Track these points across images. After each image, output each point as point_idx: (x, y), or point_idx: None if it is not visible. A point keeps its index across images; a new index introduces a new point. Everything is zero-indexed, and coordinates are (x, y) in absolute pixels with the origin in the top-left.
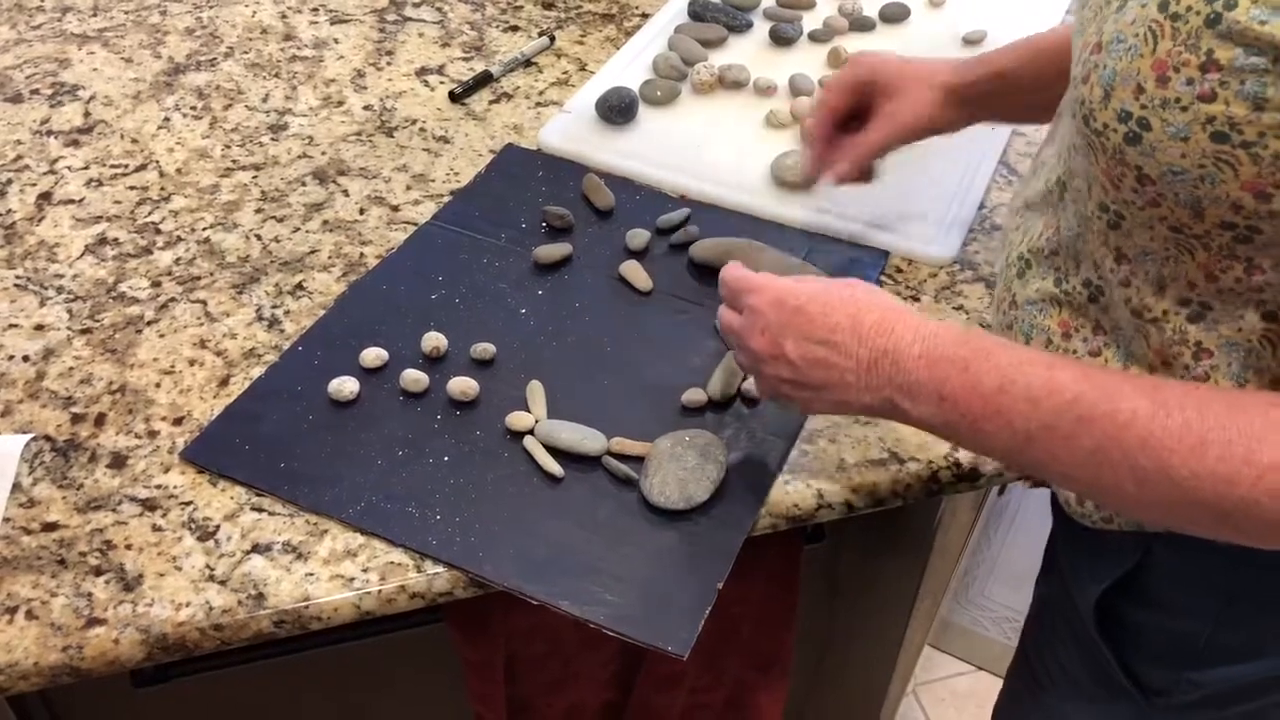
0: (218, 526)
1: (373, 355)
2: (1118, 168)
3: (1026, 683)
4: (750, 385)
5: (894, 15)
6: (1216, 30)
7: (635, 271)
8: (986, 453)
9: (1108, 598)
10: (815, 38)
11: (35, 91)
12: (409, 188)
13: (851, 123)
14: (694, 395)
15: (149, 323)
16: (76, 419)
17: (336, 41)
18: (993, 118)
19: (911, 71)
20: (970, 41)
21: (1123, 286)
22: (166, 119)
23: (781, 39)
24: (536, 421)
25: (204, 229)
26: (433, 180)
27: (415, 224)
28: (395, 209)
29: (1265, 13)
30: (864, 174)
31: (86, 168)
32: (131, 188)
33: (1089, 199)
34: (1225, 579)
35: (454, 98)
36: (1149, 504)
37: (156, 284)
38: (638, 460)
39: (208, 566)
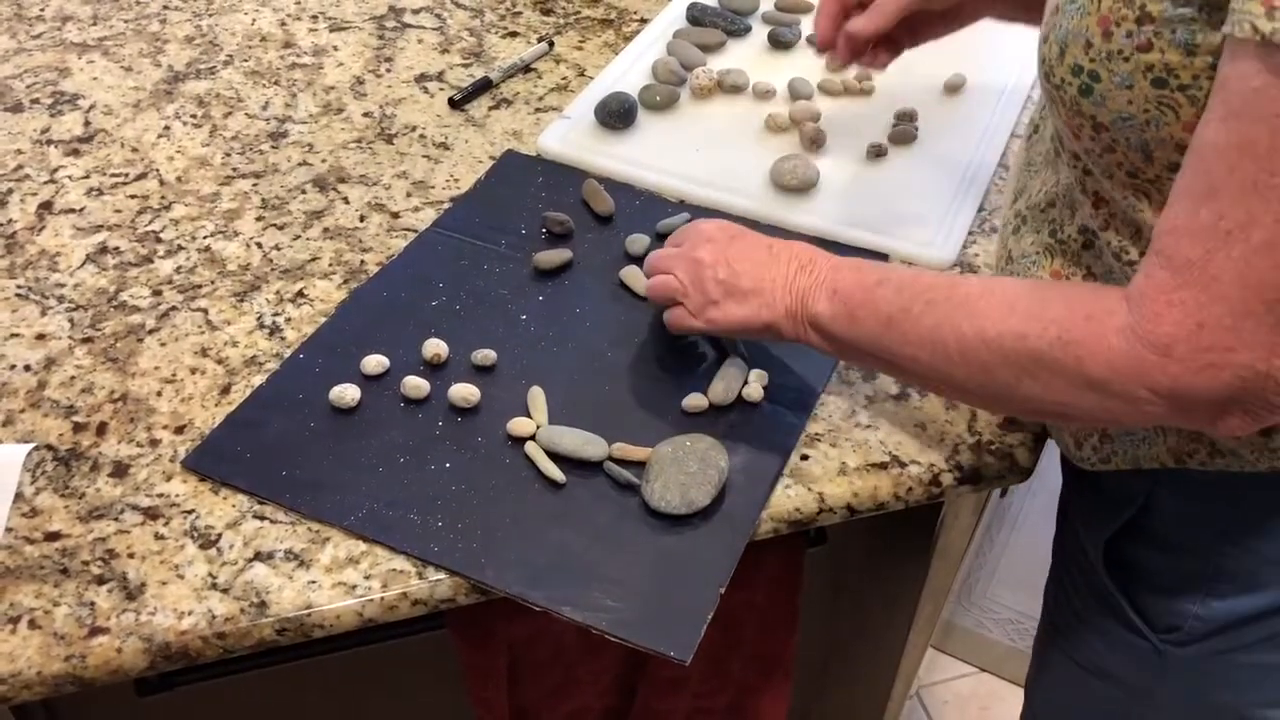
0: (220, 535)
1: (374, 362)
2: (1076, 118)
3: (1049, 634)
4: (752, 390)
5: None
6: None
7: (636, 277)
8: (858, 347)
9: (1116, 542)
10: (813, 41)
11: (35, 101)
12: (409, 194)
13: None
14: (695, 400)
15: (150, 331)
16: (78, 428)
17: (336, 49)
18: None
19: None
20: None
21: (1103, 230)
22: (166, 127)
23: (780, 43)
24: (538, 427)
25: (205, 237)
26: (433, 187)
27: (415, 231)
28: (395, 216)
29: None
30: (878, 57)
31: (87, 177)
32: (132, 196)
33: (1064, 150)
34: (1222, 516)
35: (453, 104)
36: (969, 367)
37: (157, 293)
38: (639, 465)
39: (210, 575)
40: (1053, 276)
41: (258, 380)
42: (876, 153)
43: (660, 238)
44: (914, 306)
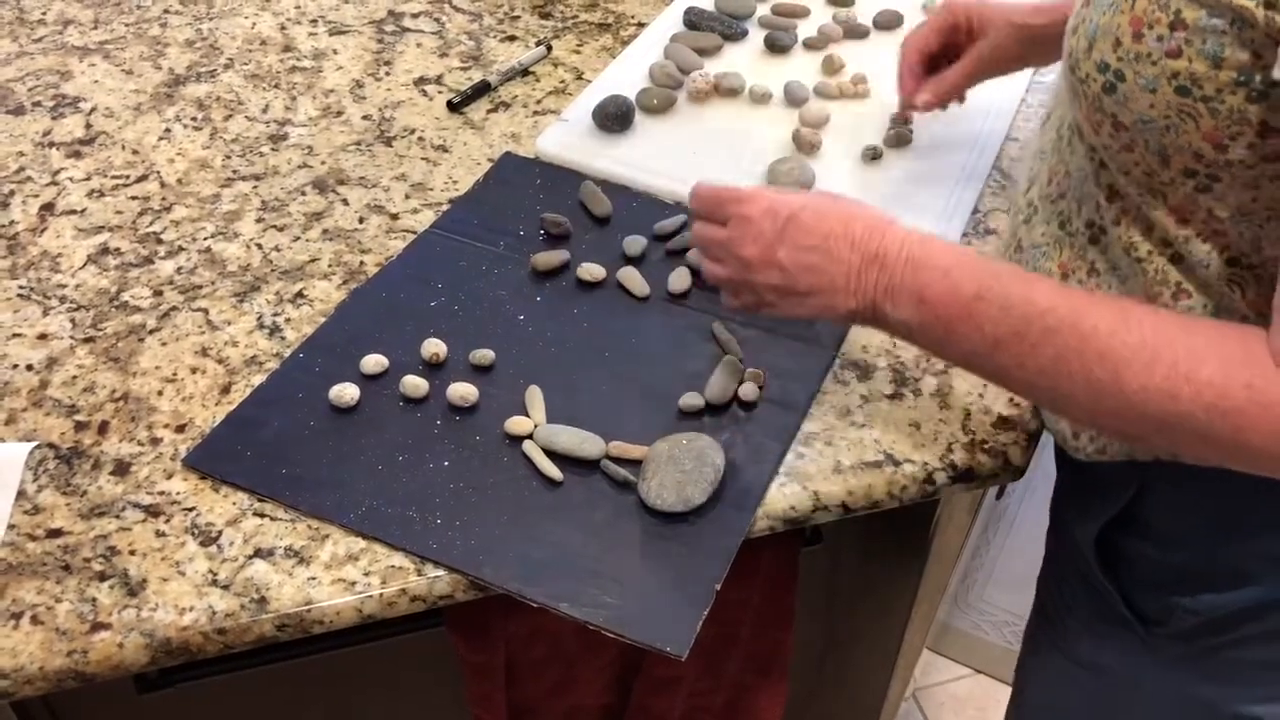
0: (220, 532)
1: (373, 362)
2: (1096, 114)
3: (1041, 627)
4: (747, 389)
5: (888, 22)
6: None
7: (632, 277)
8: (953, 355)
9: (1107, 533)
10: (810, 45)
11: (37, 104)
12: (408, 196)
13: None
14: (691, 399)
15: (151, 331)
16: (80, 427)
17: (335, 52)
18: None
19: (995, 11)
20: None
21: (1115, 225)
22: (167, 130)
23: (776, 47)
24: (535, 426)
25: (205, 238)
26: (431, 189)
27: (414, 232)
28: (394, 217)
29: None
30: (946, 102)
31: (88, 179)
32: (133, 198)
33: (1082, 142)
34: (1214, 508)
35: (452, 107)
36: (1099, 413)
37: (158, 293)
38: (636, 464)
39: (210, 571)
40: (1060, 269)
41: (258, 380)
42: (872, 155)
43: (657, 239)
44: (1029, 332)
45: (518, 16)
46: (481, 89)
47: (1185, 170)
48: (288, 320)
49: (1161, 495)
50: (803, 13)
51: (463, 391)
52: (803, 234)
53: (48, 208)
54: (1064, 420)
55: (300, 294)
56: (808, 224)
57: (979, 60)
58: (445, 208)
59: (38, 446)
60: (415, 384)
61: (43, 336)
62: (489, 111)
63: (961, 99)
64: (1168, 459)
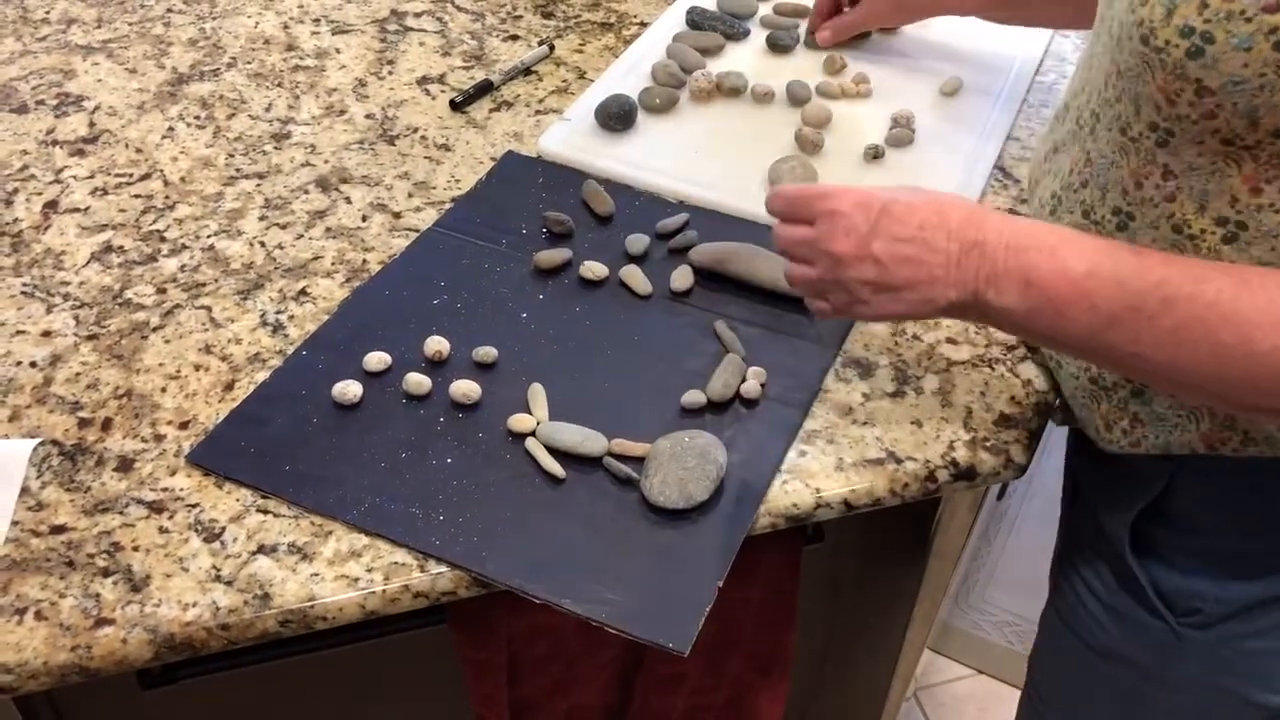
0: (224, 528)
1: (376, 359)
2: (1176, 83)
3: (1061, 614)
4: (750, 387)
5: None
6: None
7: (635, 276)
8: (1061, 340)
9: (1137, 524)
10: (812, 45)
11: (41, 102)
12: (410, 195)
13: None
14: (693, 397)
15: (155, 329)
16: (84, 423)
17: (338, 51)
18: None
19: None
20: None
21: (1167, 202)
22: (170, 128)
23: (778, 46)
24: (538, 423)
25: (208, 236)
26: (434, 187)
27: (417, 230)
28: (397, 216)
29: None
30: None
31: (92, 177)
32: (136, 196)
33: (1137, 120)
34: (1244, 499)
35: (455, 106)
36: (1222, 380)
37: (162, 291)
38: (638, 461)
39: (214, 567)
40: None
41: (261, 377)
42: (874, 154)
43: (660, 238)
44: (1145, 304)
45: (520, 16)
46: (484, 88)
47: (1275, 130)
48: (291, 318)
49: (1192, 487)
50: (805, 12)
51: (465, 389)
52: (897, 225)
53: (51, 206)
54: (1097, 413)
55: (303, 292)
56: (901, 215)
57: (871, 9)
58: (448, 206)
59: (42, 443)
60: (418, 381)
61: (46, 334)
62: (491, 110)
63: (867, 35)
64: (1205, 452)
